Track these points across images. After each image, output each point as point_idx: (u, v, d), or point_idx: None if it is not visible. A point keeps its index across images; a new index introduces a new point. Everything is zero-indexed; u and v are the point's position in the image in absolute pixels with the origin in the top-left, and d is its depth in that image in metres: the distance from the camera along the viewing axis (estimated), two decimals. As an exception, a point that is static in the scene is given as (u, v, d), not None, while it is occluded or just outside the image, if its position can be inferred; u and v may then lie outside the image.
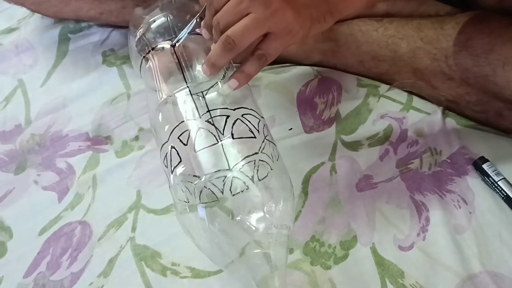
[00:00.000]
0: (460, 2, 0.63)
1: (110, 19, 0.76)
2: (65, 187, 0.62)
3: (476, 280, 0.49)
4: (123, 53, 0.77)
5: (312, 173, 0.59)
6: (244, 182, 0.46)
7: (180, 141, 0.47)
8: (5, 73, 0.78)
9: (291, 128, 0.63)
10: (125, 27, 0.79)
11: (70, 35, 0.81)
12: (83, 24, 0.82)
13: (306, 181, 0.58)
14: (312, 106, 0.66)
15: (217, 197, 0.45)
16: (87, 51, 0.78)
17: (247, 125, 0.48)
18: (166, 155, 0.48)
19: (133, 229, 0.56)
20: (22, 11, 0.83)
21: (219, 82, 0.50)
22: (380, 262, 0.51)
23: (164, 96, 0.51)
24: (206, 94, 0.49)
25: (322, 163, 0.60)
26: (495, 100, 0.58)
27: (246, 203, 0.46)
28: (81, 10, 0.74)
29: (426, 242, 0.52)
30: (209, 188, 0.45)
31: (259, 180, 0.47)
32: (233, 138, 0.47)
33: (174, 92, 0.50)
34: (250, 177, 0.46)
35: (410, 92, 0.65)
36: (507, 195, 0.53)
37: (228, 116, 0.48)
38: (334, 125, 0.64)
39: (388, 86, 0.66)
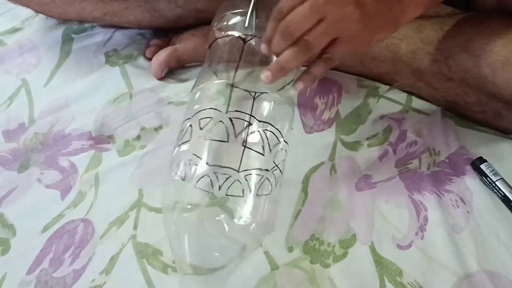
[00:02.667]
0: (460, 3, 0.64)
1: (113, 19, 0.76)
2: (68, 186, 0.62)
3: (473, 279, 0.49)
4: (126, 53, 0.78)
5: (312, 172, 0.60)
6: (243, 190, 0.47)
7: (199, 123, 0.49)
8: (9, 73, 0.79)
9: (292, 128, 0.64)
10: (128, 27, 0.80)
11: (73, 35, 0.82)
12: (86, 25, 0.83)
13: (306, 181, 0.59)
14: (313, 107, 0.66)
15: (212, 189, 0.46)
16: (90, 51, 0.79)
17: (262, 140, 0.49)
18: (182, 130, 0.50)
19: (135, 227, 0.57)
20: (26, 12, 0.84)
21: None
22: (379, 261, 0.52)
23: (213, 79, 0.52)
24: (255, 97, 0.50)
25: (322, 163, 0.60)
26: (494, 101, 0.58)
27: (235, 208, 0.47)
28: (85, 11, 0.75)
29: (424, 241, 0.52)
30: (210, 178, 0.46)
31: (257, 195, 0.48)
32: (243, 145, 0.48)
33: (220, 81, 0.52)
34: (251, 188, 0.47)
35: (410, 93, 0.66)
36: (505, 195, 0.54)
37: (250, 124, 0.49)
38: (334, 126, 0.64)
39: (387, 87, 0.67)
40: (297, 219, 0.55)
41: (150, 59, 0.75)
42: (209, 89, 0.52)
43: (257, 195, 0.48)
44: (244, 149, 0.48)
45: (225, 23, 0.56)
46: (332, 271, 0.51)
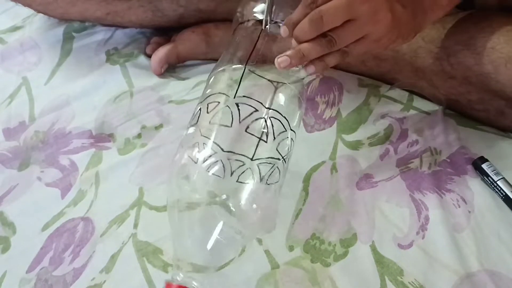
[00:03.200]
0: (462, 2, 0.64)
1: (116, 19, 0.76)
2: (68, 184, 0.62)
3: (474, 278, 0.49)
4: (127, 52, 0.78)
5: (313, 171, 0.59)
6: (253, 177, 0.46)
7: (207, 107, 0.49)
8: (10, 71, 0.79)
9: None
10: (130, 27, 0.80)
11: (74, 34, 0.82)
12: (87, 23, 0.83)
13: (307, 180, 0.59)
14: (314, 106, 0.66)
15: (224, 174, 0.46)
16: (91, 50, 0.79)
17: (267, 126, 0.48)
18: (194, 112, 0.50)
19: (135, 225, 0.57)
20: (27, 10, 0.83)
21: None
22: (380, 260, 0.51)
23: (230, 64, 0.52)
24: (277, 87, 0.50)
25: (323, 162, 0.60)
26: (497, 98, 0.58)
27: (241, 193, 0.47)
28: (88, 11, 0.75)
29: (425, 240, 0.52)
30: (223, 164, 0.46)
31: (267, 183, 0.47)
32: (245, 130, 0.47)
33: (234, 66, 0.51)
34: (261, 176, 0.47)
35: (411, 92, 0.66)
36: (506, 195, 0.53)
37: (256, 110, 0.48)
38: (335, 125, 0.64)
39: (389, 86, 0.67)
40: (298, 218, 0.55)
41: (150, 56, 0.75)
42: (224, 74, 0.52)
43: (266, 183, 0.47)
44: (259, 140, 0.48)
45: (247, 9, 0.56)
46: (333, 270, 0.51)
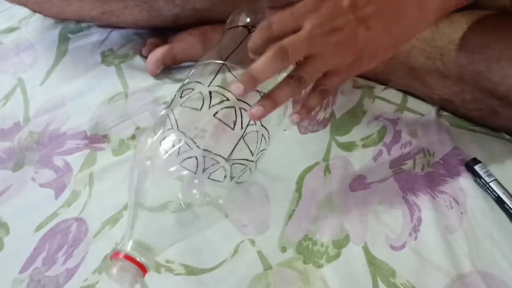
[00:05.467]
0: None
1: (111, 19, 0.76)
2: (62, 185, 0.62)
3: (467, 279, 0.49)
4: (122, 53, 0.78)
5: (307, 172, 0.59)
6: (225, 176, 0.48)
7: (181, 93, 0.51)
8: (5, 72, 0.79)
9: (285, 130, 0.64)
10: (126, 27, 0.80)
11: (70, 35, 0.82)
12: (83, 25, 0.83)
13: (300, 181, 0.59)
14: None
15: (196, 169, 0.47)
16: (86, 51, 0.79)
17: (236, 116, 0.48)
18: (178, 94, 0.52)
19: (128, 226, 0.57)
20: (23, 11, 0.84)
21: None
22: (372, 261, 0.51)
23: (213, 59, 0.52)
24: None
25: (317, 163, 0.60)
26: (490, 97, 0.58)
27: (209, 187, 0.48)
28: (83, 10, 0.75)
29: (418, 242, 0.52)
30: (197, 160, 0.47)
31: (236, 182, 0.49)
32: (214, 115, 0.48)
33: (214, 61, 0.52)
34: (231, 176, 0.48)
35: (405, 92, 0.66)
36: (499, 196, 0.54)
37: (227, 99, 0.49)
38: (328, 126, 0.64)
39: (383, 87, 0.67)
40: (290, 219, 0.55)
41: (146, 57, 0.75)
42: (204, 67, 0.53)
43: (236, 182, 0.49)
44: (239, 140, 0.48)
45: (238, 14, 0.57)
46: (325, 271, 0.51)
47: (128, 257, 0.45)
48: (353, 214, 0.55)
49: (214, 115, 0.48)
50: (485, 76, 0.56)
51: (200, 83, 0.51)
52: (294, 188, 0.58)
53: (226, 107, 0.49)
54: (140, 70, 0.75)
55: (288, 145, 0.62)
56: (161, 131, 0.49)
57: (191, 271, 0.52)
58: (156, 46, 0.76)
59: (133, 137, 0.66)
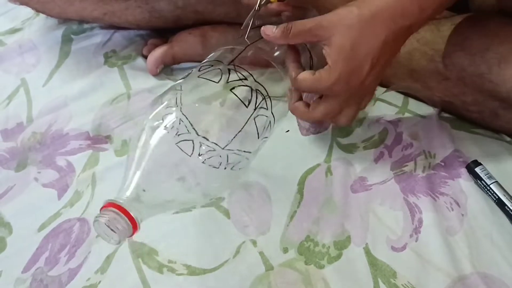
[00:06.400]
0: (458, 6, 0.64)
1: (113, 20, 0.77)
2: (65, 185, 0.63)
3: (467, 281, 0.49)
4: (125, 54, 0.78)
5: (308, 174, 0.60)
6: (220, 163, 0.47)
7: (200, 67, 0.51)
8: (8, 72, 0.79)
9: (288, 130, 0.64)
10: (128, 28, 0.80)
11: (73, 36, 0.82)
12: (86, 26, 0.83)
13: (302, 182, 0.59)
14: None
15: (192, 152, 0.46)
16: (89, 52, 0.79)
17: (251, 95, 0.49)
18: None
19: (131, 226, 0.57)
20: (26, 12, 0.85)
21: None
22: (373, 262, 0.52)
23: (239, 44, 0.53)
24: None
25: (318, 165, 0.61)
26: (491, 99, 0.59)
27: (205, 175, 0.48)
28: (85, 10, 0.75)
29: (419, 243, 0.53)
30: (193, 144, 0.46)
31: (231, 169, 0.48)
32: (230, 90, 0.48)
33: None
34: (228, 163, 0.48)
35: (406, 94, 0.66)
36: (499, 198, 0.54)
37: (245, 79, 0.50)
38: (330, 128, 0.64)
39: (383, 89, 0.67)
40: (292, 220, 0.56)
41: (147, 57, 0.75)
42: (225, 51, 0.53)
43: (231, 169, 0.49)
44: (238, 133, 0.48)
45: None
46: (327, 272, 0.51)
47: (120, 208, 0.43)
48: (354, 216, 0.56)
49: (230, 90, 0.48)
50: (486, 78, 0.56)
51: (220, 61, 0.51)
52: (296, 190, 0.58)
53: (242, 85, 0.49)
54: (142, 71, 0.75)
55: (290, 146, 0.63)
56: (164, 104, 0.49)
57: (193, 271, 0.52)
58: (156, 46, 0.76)
59: (135, 138, 0.66)
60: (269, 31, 0.49)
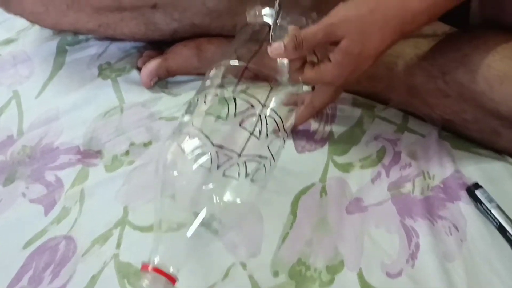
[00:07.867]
0: (458, 21, 0.63)
1: (108, 31, 0.76)
2: (52, 200, 0.61)
3: (465, 309, 0.47)
4: (119, 66, 0.77)
5: (302, 194, 0.58)
6: (239, 174, 0.47)
7: (205, 98, 0.51)
8: (0, 84, 0.78)
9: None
10: (123, 40, 0.79)
11: (67, 47, 0.81)
12: (81, 37, 0.82)
13: (295, 202, 0.57)
14: (305, 125, 0.65)
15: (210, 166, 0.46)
16: (83, 64, 0.78)
17: (261, 124, 0.49)
18: (192, 102, 0.53)
19: (118, 245, 0.55)
20: (21, 23, 0.84)
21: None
22: (367, 289, 0.50)
23: (231, 58, 0.53)
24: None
25: (313, 185, 0.59)
26: (491, 118, 0.57)
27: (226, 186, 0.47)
28: (80, 22, 0.74)
29: (415, 269, 0.51)
30: (211, 155, 0.46)
31: (251, 180, 0.48)
32: (240, 125, 0.49)
33: (236, 61, 0.53)
34: (247, 172, 0.48)
35: (406, 112, 0.65)
36: (500, 224, 0.52)
37: (252, 107, 0.50)
38: (326, 145, 0.63)
39: (383, 106, 0.65)
40: (284, 242, 0.54)
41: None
42: (224, 69, 0.53)
43: (251, 180, 0.48)
44: (250, 136, 0.48)
45: (255, 10, 0.57)
46: (318, 298, 0.49)
47: (157, 270, 0.45)
48: (348, 238, 0.54)
49: (240, 125, 0.49)
50: (487, 96, 0.55)
51: (223, 88, 0.51)
52: (289, 210, 0.56)
53: (251, 115, 0.49)
54: (136, 84, 0.74)
55: (285, 164, 0.60)
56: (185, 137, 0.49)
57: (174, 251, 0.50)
58: (151, 58, 0.75)
59: (126, 153, 0.65)
60: (278, 50, 0.51)
